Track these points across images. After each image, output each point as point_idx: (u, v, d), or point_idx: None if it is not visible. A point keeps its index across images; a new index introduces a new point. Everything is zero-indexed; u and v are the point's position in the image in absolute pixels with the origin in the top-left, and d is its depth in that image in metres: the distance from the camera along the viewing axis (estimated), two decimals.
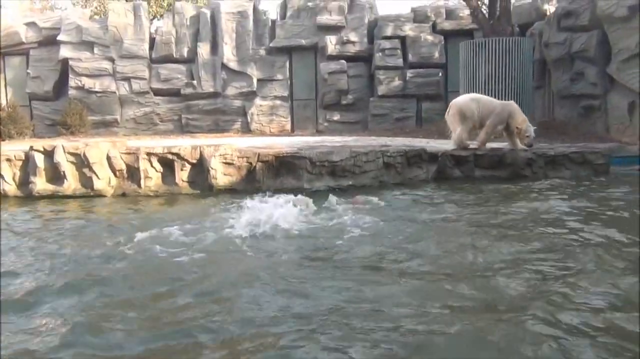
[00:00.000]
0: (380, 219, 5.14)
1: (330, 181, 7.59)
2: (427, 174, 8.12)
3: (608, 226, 4.52)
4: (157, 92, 16.45)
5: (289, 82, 16.59)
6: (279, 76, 16.44)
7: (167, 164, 7.50)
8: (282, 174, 7.58)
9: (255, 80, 16.33)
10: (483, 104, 8.48)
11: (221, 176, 7.43)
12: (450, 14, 16.39)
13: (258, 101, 16.39)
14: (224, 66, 16.37)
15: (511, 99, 11.37)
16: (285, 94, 16.49)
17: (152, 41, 16.45)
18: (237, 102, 16.41)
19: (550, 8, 14.77)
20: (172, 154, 7.45)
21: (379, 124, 15.88)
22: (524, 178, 8.13)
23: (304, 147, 8.23)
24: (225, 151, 7.47)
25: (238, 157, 7.49)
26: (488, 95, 10.92)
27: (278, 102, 16.48)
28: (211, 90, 16.31)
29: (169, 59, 16.40)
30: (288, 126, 16.55)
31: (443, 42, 15.94)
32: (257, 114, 16.35)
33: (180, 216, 5.65)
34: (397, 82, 15.85)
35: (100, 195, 7.26)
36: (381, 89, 15.88)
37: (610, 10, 11.58)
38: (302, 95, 16.73)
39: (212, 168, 7.36)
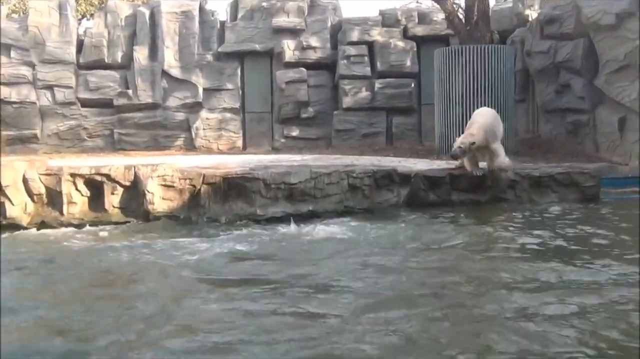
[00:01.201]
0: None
1: (287, 206, 7.60)
2: (398, 197, 8.20)
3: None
4: (85, 103, 16.22)
5: (240, 92, 16.59)
6: (229, 85, 16.44)
7: (95, 187, 7.38)
8: (232, 199, 7.56)
9: (200, 90, 16.29)
10: None
11: (159, 201, 7.34)
12: (423, 18, 16.71)
13: (204, 113, 16.34)
14: (165, 73, 16.30)
15: None
16: (236, 106, 16.49)
17: (80, 44, 16.26)
18: (180, 115, 16.32)
19: (532, 14, 15.24)
20: (102, 175, 7.34)
21: (344, 141, 15.99)
22: (506, 202, 8.28)
23: (258, 167, 8.23)
24: (164, 172, 7.40)
25: (180, 178, 7.44)
26: (464, 109, 11.18)
27: (227, 115, 16.45)
28: (149, 101, 16.19)
29: (99, 65, 16.22)
30: (239, 143, 16.51)
31: (415, 49, 16.25)
32: (203, 129, 16.28)
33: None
34: (364, 94, 16.05)
35: (14, 224, 7.05)
36: (346, 101, 16.04)
37: (595, 17, 12.00)
38: (255, 107, 16.73)
39: (148, 192, 7.27)
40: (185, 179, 7.45)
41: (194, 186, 7.45)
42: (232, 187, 7.54)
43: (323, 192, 7.75)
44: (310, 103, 16.23)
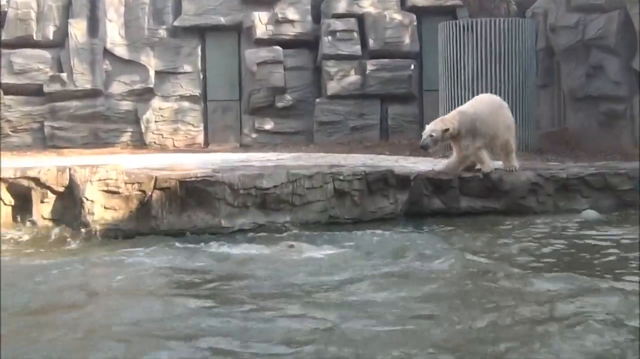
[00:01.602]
0: None
1: (259, 216, 7.59)
2: (395, 205, 8.20)
3: None
4: (9, 90, 16.11)
5: (200, 76, 16.58)
6: (187, 67, 16.43)
7: (21, 194, 7.31)
8: (190, 207, 7.54)
9: (152, 74, 16.25)
10: None
11: (101, 211, 7.30)
12: None
13: (157, 102, 16.31)
14: (108, 53, 16.24)
15: (508, 102, 11.80)
16: (196, 92, 16.47)
17: (2, 17, 16.11)
18: (127, 105, 16.26)
19: None
20: (29, 179, 7.27)
21: (329, 136, 16.01)
22: (526, 211, 8.32)
23: (222, 169, 8.17)
24: (107, 175, 7.36)
25: (126, 183, 7.40)
26: (475, 95, 11.26)
27: (185, 104, 16.42)
28: (88, 87, 16.12)
29: (26, 43, 16.12)
30: (200, 138, 16.50)
31: (416, 23, 16.34)
32: (155, 122, 16.25)
33: None
34: (353, 78, 16.10)
35: None
36: (331, 87, 16.06)
37: None
38: (219, 95, 16.73)
39: (87, 199, 7.21)
40: (133, 183, 7.40)
41: (143, 192, 7.39)
42: (191, 193, 7.48)
43: (303, 199, 7.71)
44: (287, 89, 16.21)
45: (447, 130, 8.16)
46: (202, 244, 6.90)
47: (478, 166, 8.57)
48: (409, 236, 7.19)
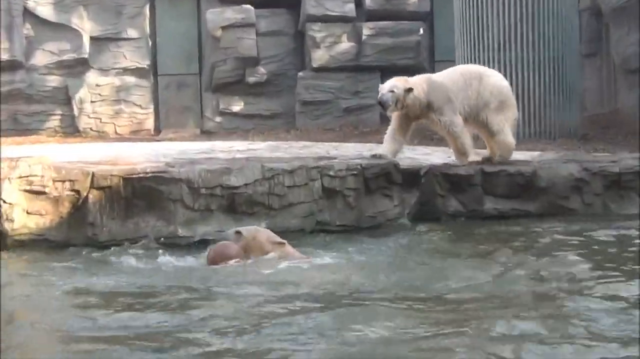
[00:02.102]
0: None
1: (226, 223, 7.54)
2: (401, 207, 8.22)
3: None
4: None
5: (149, 43, 16.58)
6: (132, 33, 16.45)
7: None
8: (138, 212, 7.52)
9: (86, 40, 16.26)
10: None
11: (22, 216, 7.24)
12: None
13: (92, 77, 16.34)
14: (29, 14, 16.23)
15: (545, 75, 11.79)
16: (144, 64, 16.50)
17: None
18: (54, 80, 16.28)
19: None
20: None
21: (315, 119, 15.99)
22: (568, 214, 8.34)
23: (179, 162, 8.15)
24: (29, 170, 7.30)
25: (55, 180, 7.35)
26: (502, 68, 11.28)
27: (130, 79, 16.48)
28: (4, 57, 16.04)
29: None
30: (149, 123, 16.56)
31: None
32: (92, 102, 16.27)
33: None
34: (345, 45, 16.12)
35: None
36: (317, 57, 16.02)
37: None
38: (174, 67, 16.76)
39: (4, 202, 7.17)
40: (64, 181, 7.33)
41: (77, 192, 7.33)
42: (138, 193, 7.45)
43: (283, 201, 7.72)
44: (260, 60, 16.23)
45: (410, 90, 8.39)
46: (148, 259, 6.85)
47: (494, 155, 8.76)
48: (418, 249, 7.19)
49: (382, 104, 8.50)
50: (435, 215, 8.29)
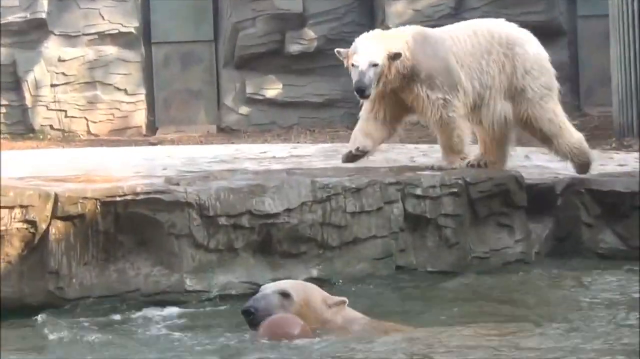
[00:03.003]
0: None
1: (258, 270, 7.57)
2: (525, 242, 8.19)
3: None
4: None
5: None
6: None
7: None
8: (124, 253, 7.53)
9: None
10: None
11: None
12: None
13: (54, 47, 16.60)
14: None
15: None
16: (130, 27, 16.76)
17: None
18: None
19: None
20: None
21: None
22: None
23: (185, 177, 8.16)
24: None
25: None
26: None
27: (110, 51, 16.73)
28: None
29: None
30: (139, 118, 16.82)
31: None
32: (52, 86, 16.57)
33: None
34: (435, 3, 16.16)
35: None
36: (395, 13, 16.14)
37: None
38: (175, 32, 16.99)
39: None
40: (12, 207, 7.31)
41: (31, 223, 7.32)
42: (124, 225, 7.46)
43: (344, 235, 7.72)
44: (307, 19, 16.48)
45: (398, 56, 8.35)
46: (139, 330, 6.82)
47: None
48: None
49: (360, 91, 8.52)
50: (579, 255, 8.25)
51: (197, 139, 15.18)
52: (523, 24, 15.83)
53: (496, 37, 8.89)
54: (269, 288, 6.28)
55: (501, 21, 9.36)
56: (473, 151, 8.88)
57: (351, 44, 16.17)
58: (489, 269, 8.07)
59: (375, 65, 8.30)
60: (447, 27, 9.14)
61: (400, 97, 8.65)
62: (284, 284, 6.36)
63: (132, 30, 16.73)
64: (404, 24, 15.98)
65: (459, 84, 8.50)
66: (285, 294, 6.13)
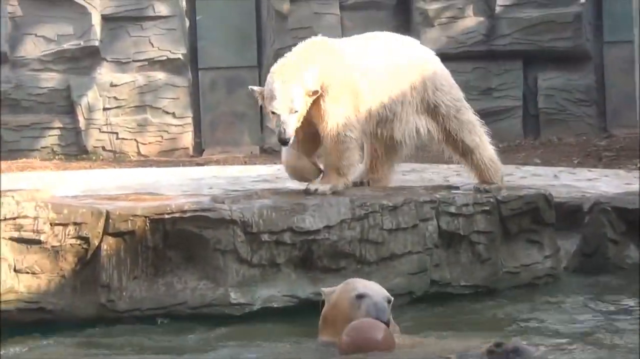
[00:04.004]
0: None
1: (299, 285, 7.65)
2: (554, 260, 8.24)
3: None
4: None
5: (185, 23, 16.88)
6: (161, 9, 16.76)
7: None
8: (172, 267, 7.62)
9: (97, 21, 16.54)
10: None
11: (7, 276, 7.31)
12: None
13: (106, 73, 16.63)
14: None
15: None
16: (178, 54, 16.79)
17: None
18: (50, 80, 16.58)
19: None
20: None
21: None
22: None
23: (230, 196, 8.23)
24: (17, 209, 7.39)
25: (53, 224, 7.43)
26: None
27: (159, 77, 16.77)
28: None
29: None
30: (186, 140, 16.84)
31: None
32: (105, 109, 16.56)
33: None
34: (471, 21, 16.35)
35: None
36: (430, 40, 15.99)
37: None
38: (221, 58, 16.99)
39: None
40: (66, 224, 7.40)
41: (84, 240, 7.38)
42: (172, 241, 7.53)
43: (381, 251, 7.76)
44: None
45: (316, 92, 7.91)
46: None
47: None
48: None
49: (288, 141, 7.89)
50: (605, 270, 8.27)
51: (241, 160, 15.14)
52: (552, 50, 15.97)
53: (405, 53, 8.69)
54: (379, 295, 6.00)
55: (408, 38, 9.11)
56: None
57: None
58: (519, 286, 8.09)
59: (296, 112, 7.81)
60: (353, 39, 8.73)
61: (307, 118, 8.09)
62: (384, 290, 6.13)
63: (180, 56, 16.71)
64: (439, 49, 16.07)
65: (362, 104, 8.19)
66: (361, 297, 5.95)
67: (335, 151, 8.10)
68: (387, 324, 5.77)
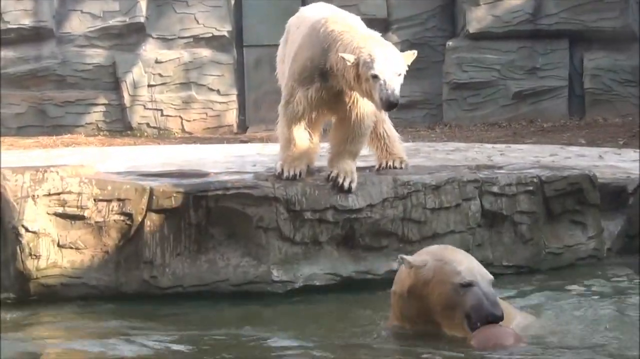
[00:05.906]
0: None
1: (341, 263, 7.66)
2: (598, 241, 8.18)
3: None
4: None
5: (231, 1, 16.86)
6: None
7: None
8: (215, 245, 7.64)
9: (143, 1, 16.62)
10: None
11: (51, 251, 7.36)
12: None
13: (151, 50, 16.79)
14: None
15: None
16: (223, 31, 16.88)
17: None
18: (97, 55, 16.74)
19: None
20: None
21: (471, 109, 16.09)
22: None
23: (273, 174, 8.09)
24: (62, 185, 7.42)
25: (97, 200, 7.47)
26: None
27: (204, 54, 16.89)
28: (25, 23, 16.61)
29: None
30: (231, 117, 17.01)
31: None
32: (150, 86, 16.73)
33: None
34: (516, 1, 16.16)
35: None
36: (476, 19, 15.98)
37: None
38: (266, 35, 16.80)
39: (25, 230, 7.30)
40: (110, 201, 7.45)
41: (128, 216, 7.44)
42: (215, 219, 7.57)
43: (424, 230, 7.77)
44: (391, 24, 16.43)
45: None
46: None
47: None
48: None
49: (396, 103, 7.49)
50: None
51: None
52: (598, 30, 15.85)
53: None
54: (485, 280, 5.69)
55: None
56: None
57: (434, 49, 16.06)
58: (561, 266, 8.07)
59: (399, 75, 7.40)
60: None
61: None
62: (485, 271, 5.85)
63: (225, 34, 16.77)
64: (485, 29, 16.01)
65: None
66: (467, 285, 5.62)
67: (361, 136, 7.96)
68: (502, 317, 5.49)
